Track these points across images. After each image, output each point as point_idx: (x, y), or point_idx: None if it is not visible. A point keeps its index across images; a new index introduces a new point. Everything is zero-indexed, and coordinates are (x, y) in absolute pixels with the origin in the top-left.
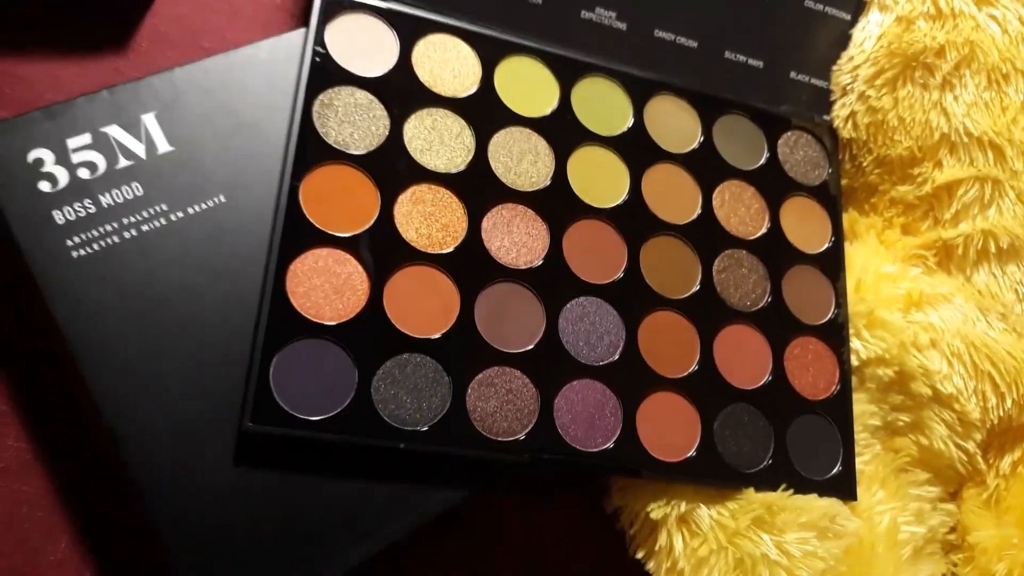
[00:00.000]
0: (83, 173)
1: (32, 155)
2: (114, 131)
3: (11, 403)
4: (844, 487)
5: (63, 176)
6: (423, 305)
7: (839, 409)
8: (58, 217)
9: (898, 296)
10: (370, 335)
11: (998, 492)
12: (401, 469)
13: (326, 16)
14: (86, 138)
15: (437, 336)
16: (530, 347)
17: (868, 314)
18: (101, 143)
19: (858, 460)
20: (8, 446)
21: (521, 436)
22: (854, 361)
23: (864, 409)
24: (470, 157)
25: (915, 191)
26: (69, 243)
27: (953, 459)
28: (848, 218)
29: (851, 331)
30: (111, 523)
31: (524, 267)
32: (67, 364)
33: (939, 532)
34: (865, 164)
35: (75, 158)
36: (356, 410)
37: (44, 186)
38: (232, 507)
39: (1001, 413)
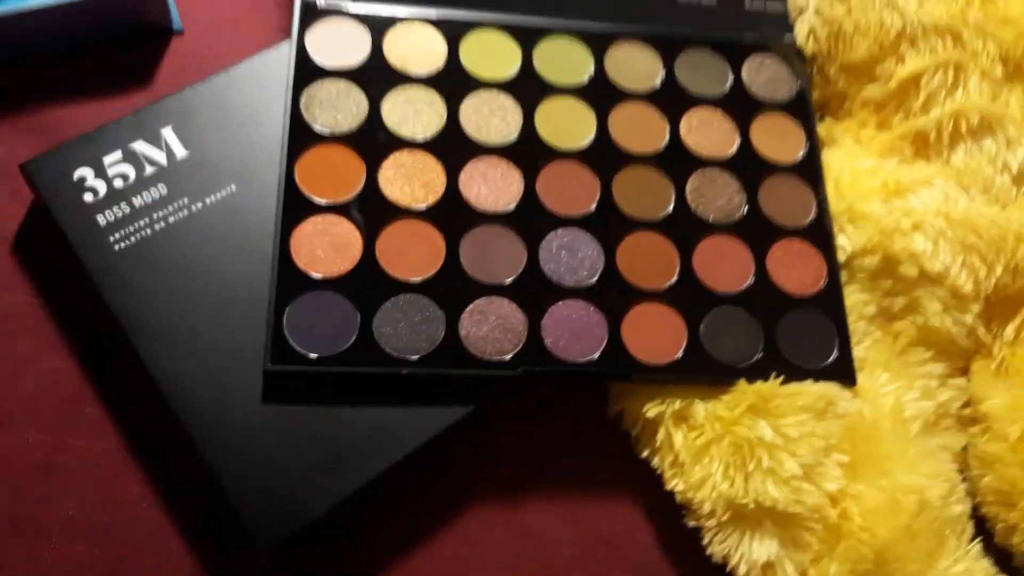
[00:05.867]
0: (118, 183)
1: (76, 174)
2: (140, 146)
3: (82, 377)
4: (843, 373)
5: (102, 187)
6: (413, 253)
7: (830, 300)
8: (101, 220)
9: (876, 187)
10: (367, 283)
11: (1005, 360)
12: (408, 394)
13: (304, 25)
14: (118, 155)
15: (427, 277)
16: (513, 278)
17: (848, 209)
18: (130, 157)
19: (859, 348)
20: (86, 413)
21: (512, 354)
22: (841, 256)
23: (857, 299)
24: (443, 123)
25: (882, 88)
26: (111, 239)
27: (952, 333)
28: (824, 126)
29: (836, 228)
30: (172, 466)
31: (502, 210)
32: (119, 337)
33: (952, 407)
34: (832, 73)
35: (111, 171)
36: (360, 346)
37: (88, 197)
38: (266, 438)
39: (993, 282)
